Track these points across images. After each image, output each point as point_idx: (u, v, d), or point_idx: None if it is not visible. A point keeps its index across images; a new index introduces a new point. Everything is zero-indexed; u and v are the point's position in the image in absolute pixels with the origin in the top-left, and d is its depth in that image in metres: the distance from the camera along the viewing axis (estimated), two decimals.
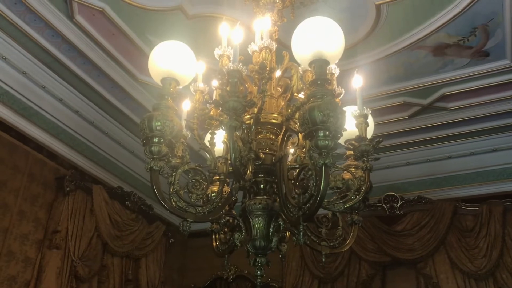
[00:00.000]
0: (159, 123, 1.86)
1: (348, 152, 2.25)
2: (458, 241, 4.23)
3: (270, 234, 1.95)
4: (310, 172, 1.84)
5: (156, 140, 1.88)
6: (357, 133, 2.11)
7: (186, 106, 2.30)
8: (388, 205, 4.60)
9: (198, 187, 2.01)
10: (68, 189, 4.04)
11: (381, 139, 2.06)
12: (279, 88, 2.25)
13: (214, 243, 2.33)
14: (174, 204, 1.91)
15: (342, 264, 4.57)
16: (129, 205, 4.64)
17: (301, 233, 1.75)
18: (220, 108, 1.91)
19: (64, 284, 3.90)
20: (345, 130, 1.78)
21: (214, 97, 2.22)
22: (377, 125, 2.40)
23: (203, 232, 5.37)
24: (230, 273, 5.16)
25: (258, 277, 1.95)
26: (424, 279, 4.29)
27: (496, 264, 4.02)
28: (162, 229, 5.02)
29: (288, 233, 2.14)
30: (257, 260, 1.95)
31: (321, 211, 2.18)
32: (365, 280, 4.45)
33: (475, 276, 4.08)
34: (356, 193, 2.01)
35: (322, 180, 1.68)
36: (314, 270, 4.66)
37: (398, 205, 4.56)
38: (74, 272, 3.98)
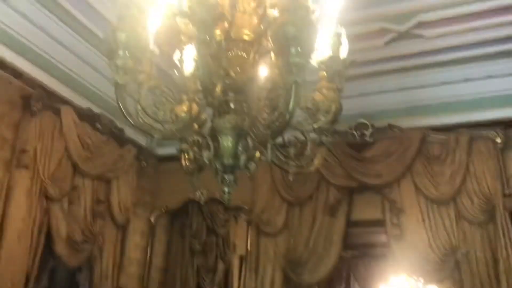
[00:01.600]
0: (124, 35, 1.77)
1: (321, 74, 2.21)
2: (424, 168, 4.36)
3: (238, 152, 1.94)
4: (280, 91, 1.81)
5: (121, 53, 1.80)
6: (331, 55, 2.06)
7: (154, 19, 2.20)
8: (359, 133, 4.66)
9: (166, 104, 1.96)
10: (34, 108, 3.94)
11: (354, 59, 2.03)
12: (252, 3, 2.16)
13: (183, 162, 2.31)
14: (140, 120, 1.87)
15: (311, 188, 4.68)
16: (99, 127, 4.58)
17: (269, 151, 1.75)
18: (189, 22, 1.83)
19: (34, 204, 3.91)
20: (317, 49, 1.74)
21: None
22: (352, 52, 2.35)
23: (175, 156, 5.41)
24: (202, 195, 5.24)
25: (226, 193, 1.97)
26: (389, 203, 4.44)
27: (458, 190, 4.18)
28: (133, 152, 5.00)
29: (258, 153, 2.14)
30: (225, 177, 1.96)
31: (290, 133, 2.18)
32: (332, 204, 4.59)
33: (437, 201, 4.25)
34: (326, 114, 2.00)
35: (292, 98, 1.65)
36: (284, 194, 4.77)
37: (369, 132, 4.62)
38: (44, 192, 3.98)
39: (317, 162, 2.13)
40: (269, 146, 1.75)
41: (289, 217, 4.74)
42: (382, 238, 5.14)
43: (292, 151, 2.12)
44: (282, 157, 2.12)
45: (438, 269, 4.08)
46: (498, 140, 4.18)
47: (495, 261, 3.90)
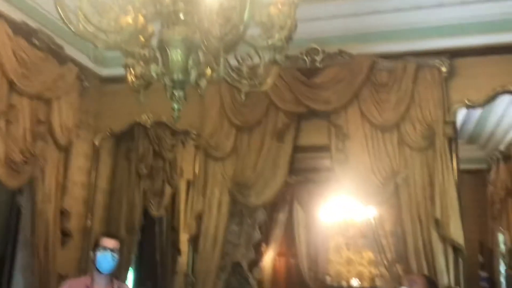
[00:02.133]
0: None
1: None
2: (371, 95, 4.42)
3: (189, 66, 1.85)
4: (234, 2, 1.71)
5: None
6: None
7: None
8: (309, 58, 4.62)
9: (110, 13, 1.82)
10: None
11: None
12: None
13: (129, 78, 2.20)
14: (82, 27, 1.73)
15: (260, 113, 4.67)
16: (36, 43, 4.27)
17: (222, 66, 1.68)
18: None
19: None
20: None
21: None
22: None
23: (119, 77, 5.19)
24: (148, 118, 5.11)
25: (175, 110, 1.90)
26: (335, 129, 4.51)
27: (402, 117, 4.30)
28: (74, 71, 4.74)
29: (208, 70, 2.05)
30: (174, 93, 1.88)
31: (243, 50, 2.10)
32: (280, 129, 4.61)
33: (382, 128, 4.36)
34: (280, 30, 1.93)
35: (247, 8, 1.56)
36: (232, 119, 4.74)
37: (319, 58, 4.59)
38: None
39: (270, 81, 2.09)
40: (222, 60, 1.68)
41: (237, 141, 4.74)
42: (327, 163, 5.28)
43: (245, 69, 2.06)
44: (234, 75, 2.05)
45: (378, 192, 4.27)
46: (443, 69, 4.27)
47: (432, 184, 4.11)
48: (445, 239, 3.98)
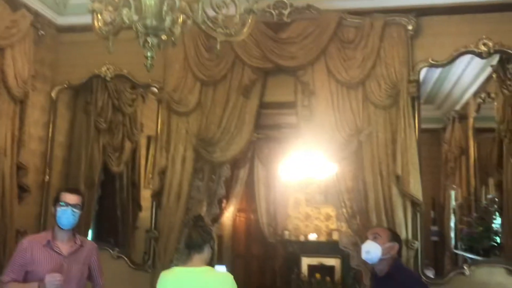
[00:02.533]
0: None
1: None
2: (338, 52, 4.41)
3: (163, 12, 1.76)
4: None
5: None
6: None
7: None
8: (276, 12, 4.52)
9: None
10: None
11: None
12: None
13: (96, 24, 2.08)
14: None
15: (226, 68, 4.57)
16: None
17: (200, 11, 1.60)
18: None
19: None
20: None
21: None
22: None
23: (78, 26, 4.94)
24: (108, 70, 4.92)
25: (148, 58, 1.81)
26: (301, 86, 4.49)
27: (367, 74, 4.32)
28: (29, 18, 4.47)
29: (181, 17, 1.96)
30: (148, 40, 1.79)
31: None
32: (246, 85, 4.55)
33: (347, 84, 4.37)
34: None
35: None
36: (197, 73, 4.63)
37: (287, 12, 4.50)
38: None
39: (246, 30, 2.02)
40: (200, 5, 1.59)
41: (202, 96, 4.65)
42: (289, 120, 5.30)
43: (220, 17, 1.98)
44: (210, 24, 1.98)
45: (342, 149, 4.32)
46: (410, 27, 4.29)
47: (394, 142, 4.20)
48: (405, 195, 4.11)
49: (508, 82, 4.91)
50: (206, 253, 2.91)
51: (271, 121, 6.55)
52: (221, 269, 6.61)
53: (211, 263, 2.97)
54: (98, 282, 3.45)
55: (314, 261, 9.05)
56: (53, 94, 5.03)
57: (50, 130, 4.99)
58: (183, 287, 2.78)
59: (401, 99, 4.19)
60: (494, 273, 4.08)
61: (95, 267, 3.41)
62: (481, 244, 5.56)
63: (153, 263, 4.59)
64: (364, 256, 3.43)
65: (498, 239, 5.56)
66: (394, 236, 3.52)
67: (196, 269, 2.83)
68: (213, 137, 4.54)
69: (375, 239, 3.39)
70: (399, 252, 3.54)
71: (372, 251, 3.36)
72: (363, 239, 3.65)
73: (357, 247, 4.15)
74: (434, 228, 7.13)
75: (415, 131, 4.21)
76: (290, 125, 5.66)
